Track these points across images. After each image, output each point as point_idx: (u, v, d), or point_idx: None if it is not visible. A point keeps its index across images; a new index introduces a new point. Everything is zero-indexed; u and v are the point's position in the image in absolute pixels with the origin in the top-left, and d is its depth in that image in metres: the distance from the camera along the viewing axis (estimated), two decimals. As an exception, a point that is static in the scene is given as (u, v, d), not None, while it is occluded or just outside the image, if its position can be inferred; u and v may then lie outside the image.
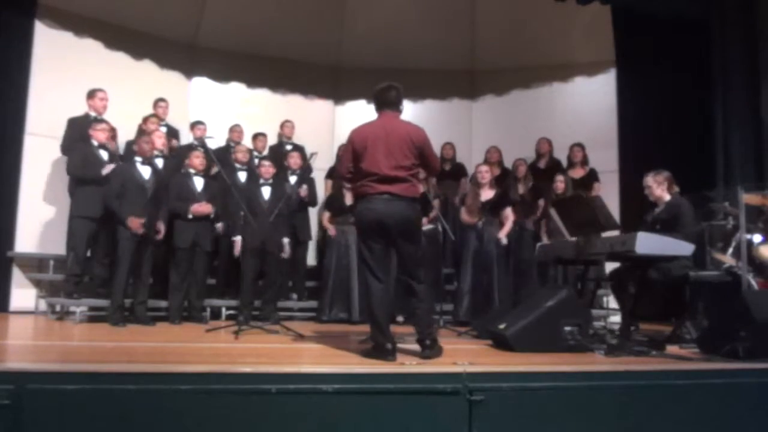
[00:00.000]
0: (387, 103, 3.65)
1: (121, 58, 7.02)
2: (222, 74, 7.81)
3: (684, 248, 3.87)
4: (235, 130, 6.91)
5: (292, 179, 6.34)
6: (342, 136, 7.26)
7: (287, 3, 7.66)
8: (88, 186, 5.41)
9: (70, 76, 6.42)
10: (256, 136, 6.88)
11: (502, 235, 5.88)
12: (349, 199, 6.17)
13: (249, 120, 7.28)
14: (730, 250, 4.95)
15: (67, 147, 5.79)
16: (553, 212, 5.80)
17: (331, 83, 8.35)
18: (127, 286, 5.11)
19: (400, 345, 3.68)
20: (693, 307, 4.56)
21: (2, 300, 6.00)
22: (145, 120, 6.38)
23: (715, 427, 3.05)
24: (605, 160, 7.25)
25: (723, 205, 5.26)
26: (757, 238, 4.82)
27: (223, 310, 6.05)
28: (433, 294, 4.09)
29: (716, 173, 6.28)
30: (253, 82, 7.93)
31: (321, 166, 7.12)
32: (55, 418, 2.47)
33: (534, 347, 3.73)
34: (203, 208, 5.58)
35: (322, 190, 7.11)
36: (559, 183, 6.12)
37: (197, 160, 5.72)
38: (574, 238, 4.52)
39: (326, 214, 6.49)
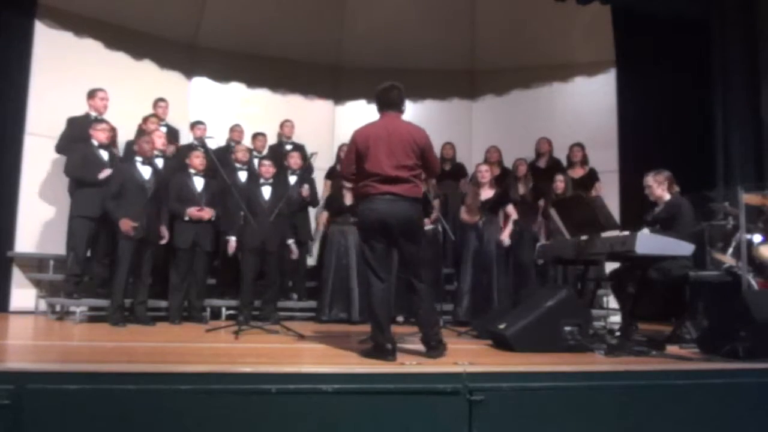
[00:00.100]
0: (389, 103, 3.66)
1: (121, 58, 7.02)
2: (222, 74, 7.81)
3: (684, 248, 3.88)
4: (236, 130, 6.92)
5: (292, 179, 6.34)
6: (342, 136, 7.30)
7: (287, 3, 7.66)
8: (88, 186, 5.41)
9: (70, 76, 6.42)
10: (255, 136, 6.87)
11: (505, 237, 5.89)
12: (348, 199, 6.18)
13: (249, 120, 7.28)
14: (730, 250, 4.95)
15: (62, 147, 5.79)
16: (553, 212, 5.80)
17: (331, 83, 8.35)
18: (127, 286, 5.10)
19: (400, 345, 3.69)
20: (693, 307, 4.56)
21: (2, 300, 6.01)
22: (145, 120, 6.38)
23: (715, 427, 3.05)
24: (605, 160, 7.25)
25: (723, 205, 5.26)
26: (757, 238, 4.82)
27: (223, 310, 6.05)
28: (434, 294, 4.10)
29: (716, 173, 6.28)
30: (253, 82, 7.93)
31: (321, 166, 7.13)
32: (56, 418, 2.47)
33: (534, 347, 3.73)
34: (203, 213, 5.56)
35: (321, 190, 7.11)
36: (559, 183, 6.12)
37: (197, 160, 5.71)
38: (574, 238, 4.52)
39: (324, 214, 6.49)
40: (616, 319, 6.01)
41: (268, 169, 5.72)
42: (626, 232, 3.92)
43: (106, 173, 5.36)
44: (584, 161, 6.83)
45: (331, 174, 7.12)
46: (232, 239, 5.52)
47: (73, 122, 5.80)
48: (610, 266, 5.23)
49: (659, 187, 4.73)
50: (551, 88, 8.15)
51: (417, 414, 2.74)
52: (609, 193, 6.95)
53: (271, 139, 7.14)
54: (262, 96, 7.98)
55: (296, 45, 7.88)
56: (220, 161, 5.30)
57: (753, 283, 4.41)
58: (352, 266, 6.11)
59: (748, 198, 4.72)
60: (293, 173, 6.38)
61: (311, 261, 6.93)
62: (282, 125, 7.29)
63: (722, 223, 5.27)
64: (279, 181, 5.93)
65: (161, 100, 6.61)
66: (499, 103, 8.39)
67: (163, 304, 5.60)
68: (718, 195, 5.65)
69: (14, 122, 6.16)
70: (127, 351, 3.53)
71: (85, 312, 5.63)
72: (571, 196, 5.65)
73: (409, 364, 3.04)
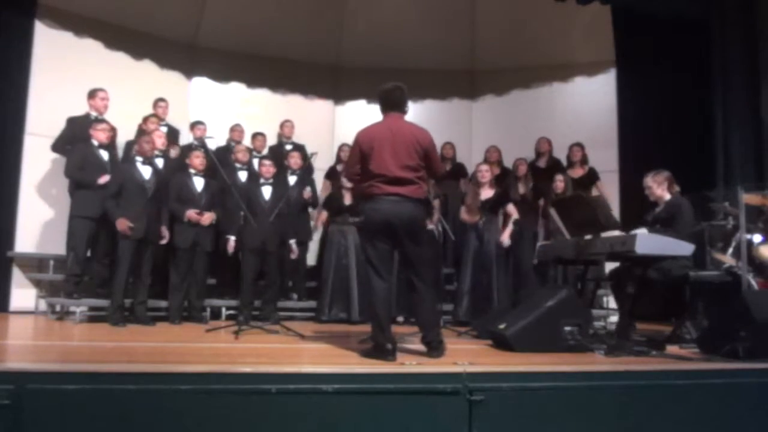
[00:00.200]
0: (392, 104, 3.66)
1: (121, 58, 7.02)
2: (222, 74, 7.81)
3: (684, 248, 3.88)
4: (236, 130, 6.92)
5: (292, 179, 6.34)
6: (342, 136, 7.31)
7: (287, 3, 7.66)
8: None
9: (70, 76, 6.42)
10: (255, 136, 6.87)
11: (505, 237, 5.89)
12: (347, 199, 6.18)
13: (249, 120, 7.28)
14: (730, 250, 4.94)
15: (58, 146, 5.79)
16: (553, 212, 5.80)
17: (331, 83, 8.35)
18: (127, 286, 5.10)
19: (400, 345, 3.69)
20: (693, 307, 4.56)
21: (2, 300, 6.01)
22: (145, 120, 6.38)
23: (715, 427, 3.05)
24: (605, 160, 7.25)
25: (723, 205, 5.26)
26: (757, 238, 4.82)
27: (223, 310, 6.05)
28: (435, 294, 4.11)
29: (716, 173, 6.28)
30: (253, 82, 7.93)
31: (321, 166, 7.13)
32: (55, 418, 2.47)
33: (534, 347, 3.73)
34: (203, 218, 5.53)
35: (321, 190, 7.11)
36: (559, 182, 6.13)
37: (197, 160, 5.71)
38: (574, 238, 4.52)
39: (323, 214, 6.49)
40: (616, 319, 6.00)
41: (268, 169, 5.72)
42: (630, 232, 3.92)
43: (105, 179, 5.35)
44: (584, 161, 6.84)
45: (331, 174, 7.12)
46: (232, 238, 5.52)
47: (73, 122, 5.80)
48: (610, 266, 5.23)
49: (659, 188, 4.73)
50: (551, 88, 8.15)
51: (417, 414, 2.74)
52: (609, 193, 6.99)
53: (271, 139, 7.15)
54: (262, 96, 7.98)
55: (296, 45, 7.88)
56: (220, 161, 5.30)
57: (753, 283, 4.40)
58: (351, 266, 6.12)
59: (748, 198, 4.72)
60: (293, 173, 6.37)
61: (311, 261, 6.93)
62: (282, 125, 7.29)
63: (722, 223, 5.27)
64: (279, 181, 5.93)
65: (161, 100, 6.61)
66: (499, 103, 8.39)
67: (163, 304, 5.60)
68: (718, 195, 5.64)
69: (14, 122, 6.16)
70: (127, 351, 3.53)
71: (85, 312, 5.63)
72: (571, 195, 5.65)
73: (409, 364, 3.04)
